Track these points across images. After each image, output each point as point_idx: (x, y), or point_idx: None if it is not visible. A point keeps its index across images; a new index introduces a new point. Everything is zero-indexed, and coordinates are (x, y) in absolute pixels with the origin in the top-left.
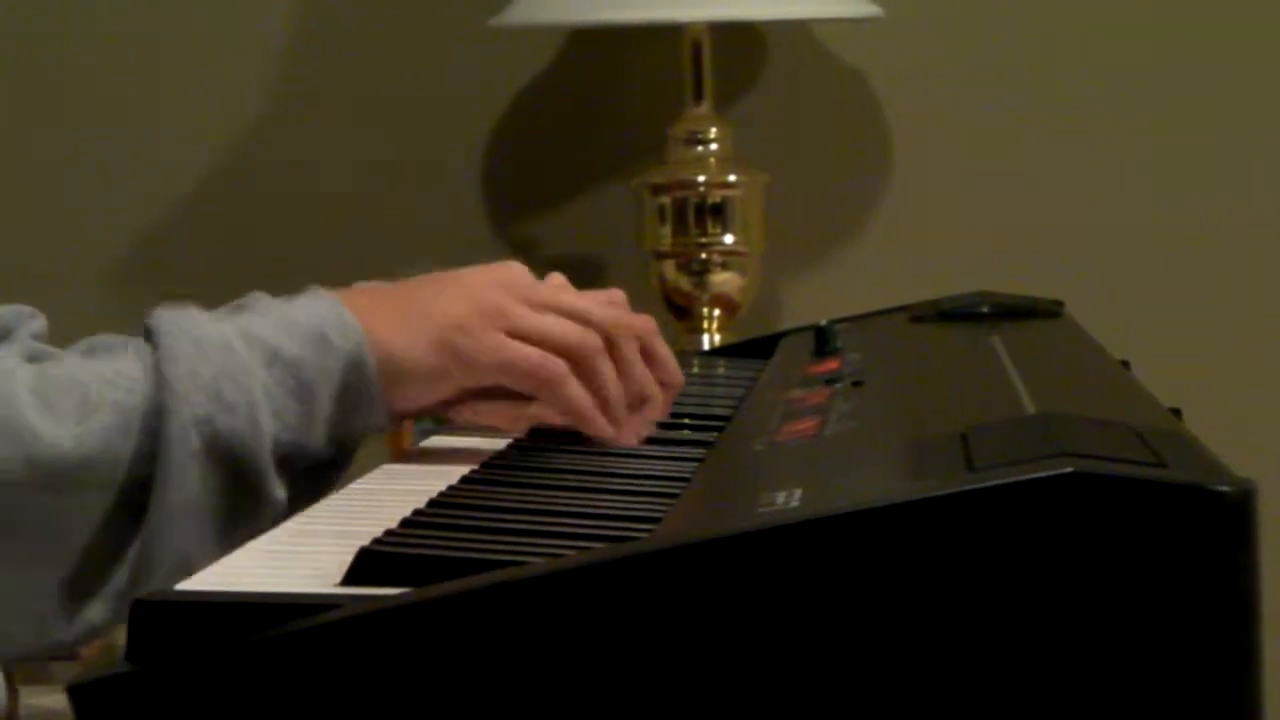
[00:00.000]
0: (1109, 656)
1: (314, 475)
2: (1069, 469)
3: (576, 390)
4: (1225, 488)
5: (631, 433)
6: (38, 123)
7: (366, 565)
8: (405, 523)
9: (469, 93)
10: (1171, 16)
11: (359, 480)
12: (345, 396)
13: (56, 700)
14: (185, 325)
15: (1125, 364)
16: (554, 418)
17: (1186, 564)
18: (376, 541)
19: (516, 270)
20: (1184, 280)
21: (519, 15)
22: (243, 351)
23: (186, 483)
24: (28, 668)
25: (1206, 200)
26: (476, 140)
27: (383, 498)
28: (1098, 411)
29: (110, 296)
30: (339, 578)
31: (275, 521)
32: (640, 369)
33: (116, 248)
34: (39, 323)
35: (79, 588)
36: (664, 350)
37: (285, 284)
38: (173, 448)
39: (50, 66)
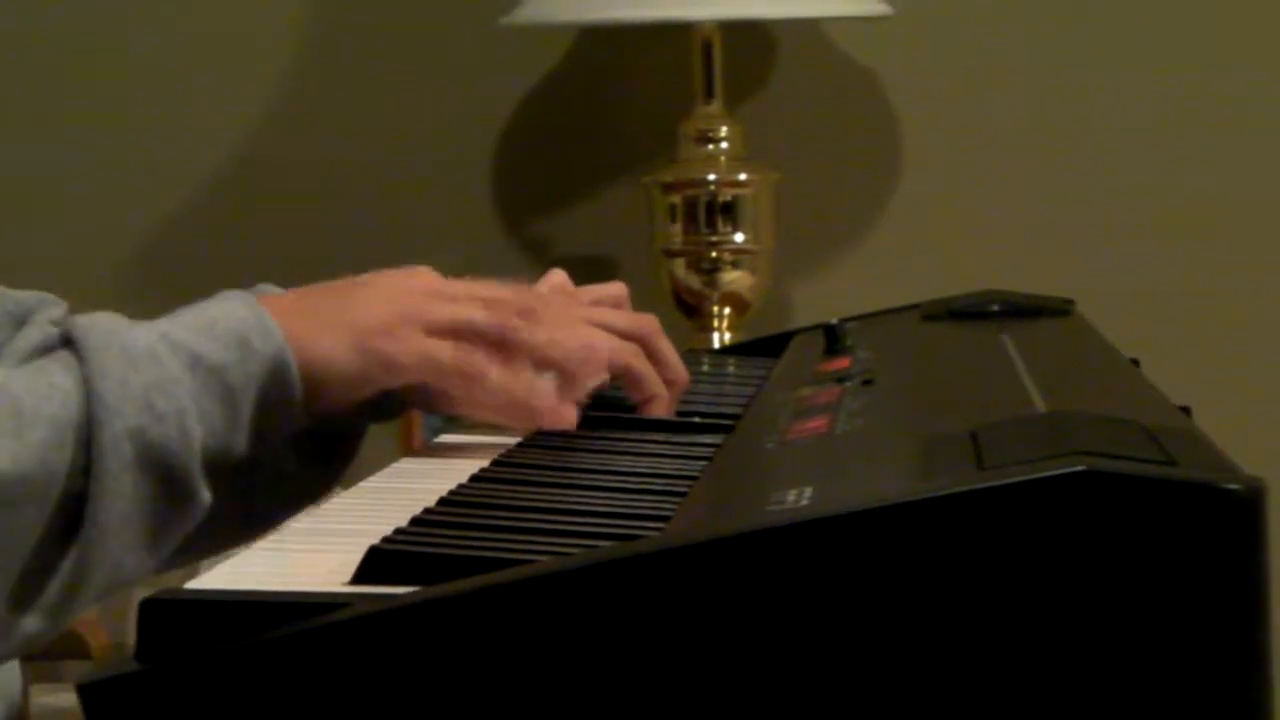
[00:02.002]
0: (1119, 654)
1: (234, 474)
2: (1080, 467)
3: (498, 380)
4: (1235, 486)
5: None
6: (42, 122)
7: (376, 564)
8: (415, 521)
9: (479, 92)
10: (1183, 14)
11: (368, 479)
12: (267, 400)
13: (66, 699)
14: (111, 335)
15: (1135, 362)
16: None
17: (1196, 562)
18: (386, 540)
19: (428, 272)
20: (1194, 278)
21: (529, 14)
22: (168, 359)
23: (121, 494)
24: (38, 666)
25: (1217, 199)
26: (487, 139)
27: (392, 496)
28: (1108, 410)
29: (118, 295)
30: (348, 576)
31: (196, 522)
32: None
33: (123, 247)
34: (60, 310)
35: (15, 601)
36: (668, 349)
37: (295, 283)
38: (106, 460)
39: (54, 66)
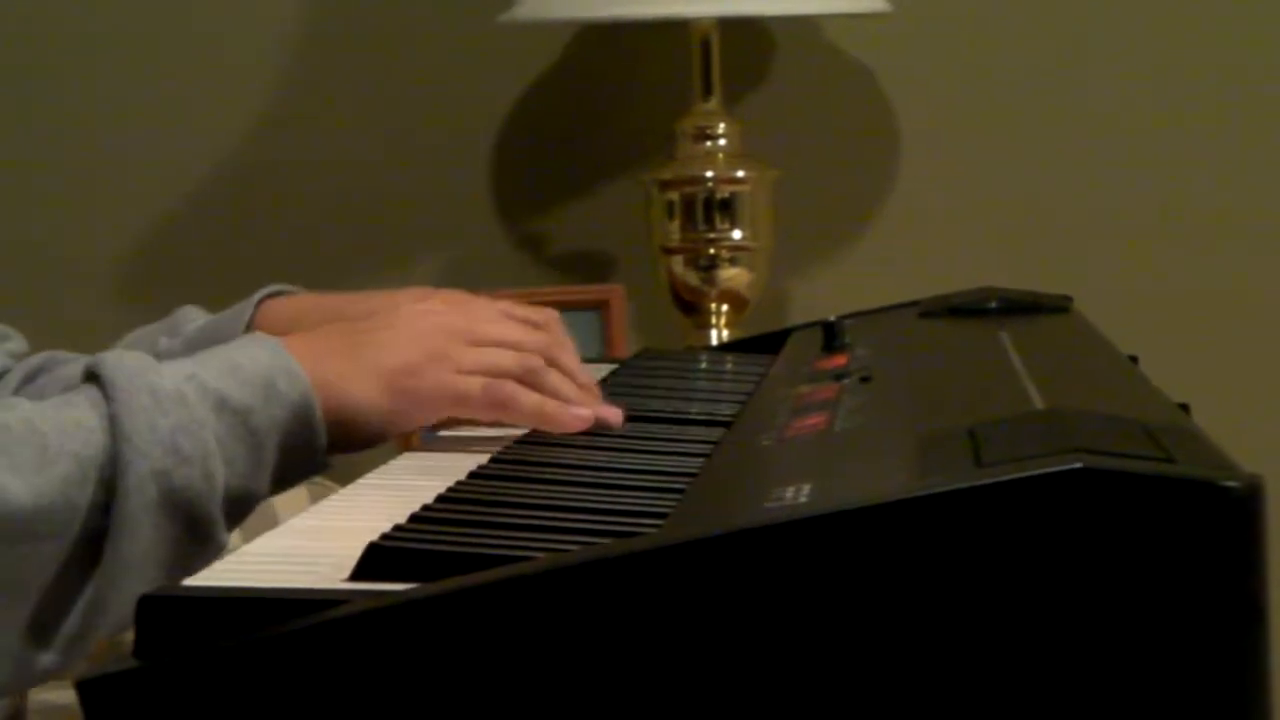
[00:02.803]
0: (1118, 651)
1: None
2: (1077, 464)
3: (531, 397)
4: (1233, 483)
5: (608, 413)
6: (45, 121)
7: (375, 560)
8: (413, 518)
9: (477, 89)
10: (1183, 12)
11: (367, 475)
12: (291, 444)
13: (65, 696)
14: (139, 375)
15: (1133, 359)
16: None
17: (1194, 559)
18: (385, 537)
19: (442, 302)
20: (1192, 276)
21: (527, 11)
22: (196, 401)
23: (141, 534)
24: None
25: (1215, 196)
26: (485, 136)
27: (391, 493)
28: (1106, 407)
29: (119, 294)
30: (347, 573)
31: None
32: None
33: (124, 246)
34: (16, 343)
35: (33, 634)
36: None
37: (296, 281)
38: (129, 500)
39: (57, 66)
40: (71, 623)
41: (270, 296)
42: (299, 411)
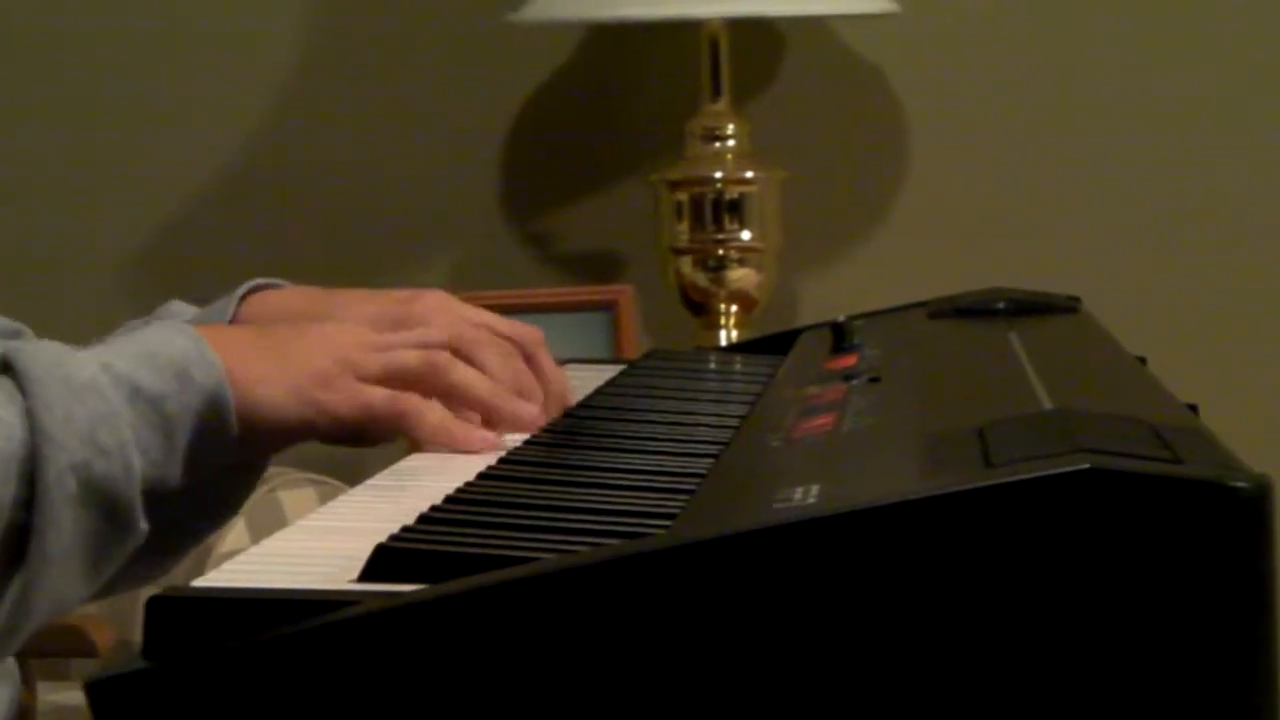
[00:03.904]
0: (1127, 651)
1: (167, 503)
2: (1086, 465)
3: (435, 416)
4: (1242, 484)
5: (527, 420)
6: (49, 121)
7: (383, 561)
8: (422, 519)
9: (487, 89)
10: (1191, 13)
11: (376, 476)
12: (203, 432)
13: (74, 697)
14: (54, 366)
15: (1142, 360)
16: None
17: (1203, 560)
18: (393, 538)
19: (359, 326)
20: (1201, 276)
21: (536, 12)
22: (111, 391)
23: (63, 528)
24: (45, 664)
25: (1225, 196)
26: (494, 136)
27: (399, 494)
28: (1114, 407)
29: (118, 294)
30: (355, 574)
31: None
32: (508, 367)
33: (131, 243)
34: (24, 340)
35: None
36: (547, 362)
37: (304, 280)
38: (51, 495)
39: (60, 65)
40: None
41: (256, 290)
42: (212, 400)
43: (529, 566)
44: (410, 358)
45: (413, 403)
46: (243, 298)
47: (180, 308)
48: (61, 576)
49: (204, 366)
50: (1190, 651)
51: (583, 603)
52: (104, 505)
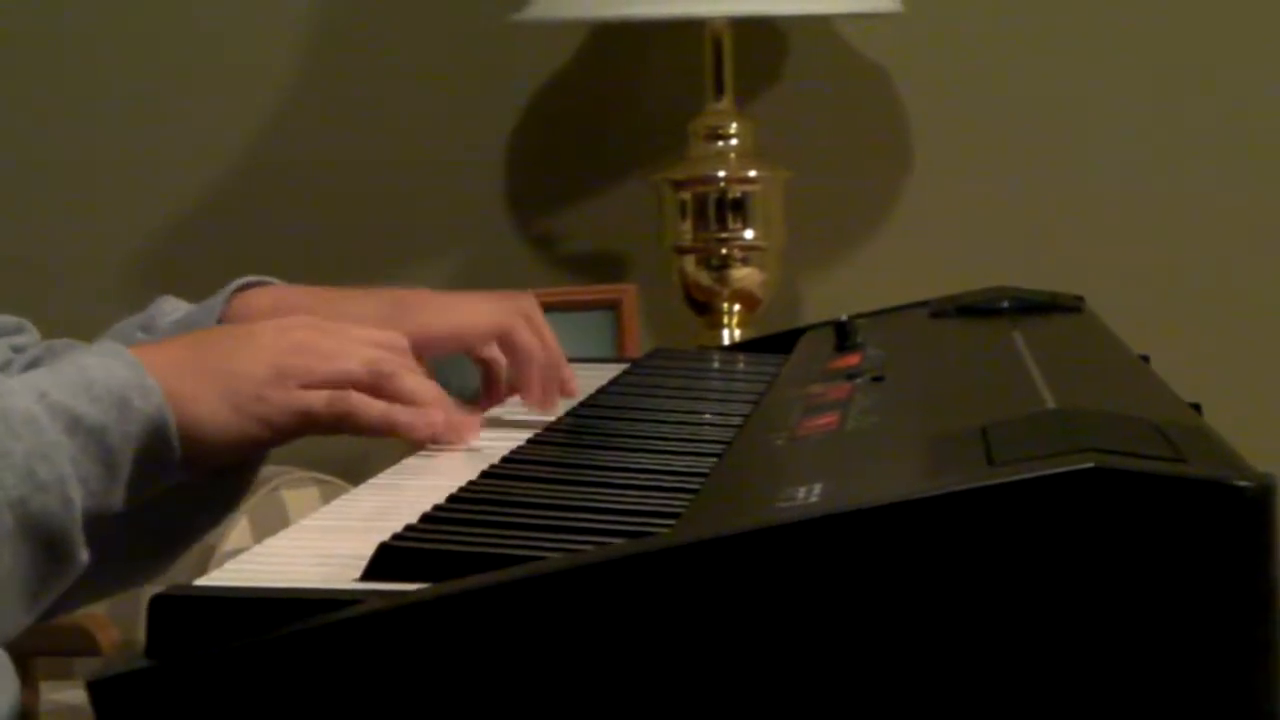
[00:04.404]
0: (1129, 650)
1: (111, 530)
2: (1089, 464)
3: (376, 407)
4: (1245, 483)
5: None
6: (48, 120)
7: (386, 560)
8: (425, 518)
9: (490, 89)
10: (1193, 12)
11: (378, 476)
12: (146, 458)
13: (77, 695)
14: None
15: (1145, 359)
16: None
17: (1206, 559)
18: (396, 537)
19: (307, 322)
20: (1204, 275)
21: (540, 11)
22: (47, 423)
23: (1, 562)
24: (48, 663)
25: (1227, 195)
26: (498, 136)
27: (402, 493)
28: (1118, 406)
29: (119, 295)
30: (359, 573)
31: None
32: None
33: (130, 244)
34: (24, 336)
35: None
36: (528, 339)
37: (306, 280)
38: None
39: (60, 65)
40: None
41: (246, 287)
42: (152, 427)
43: (532, 566)
44: (353, 363)
45: (351, 401)
46: (231, 295)
47: (172, 304)
48: (2, 608)
49: (144, 393)
50: (1193, 650)
51: (587, 602)
52: (42, 538)
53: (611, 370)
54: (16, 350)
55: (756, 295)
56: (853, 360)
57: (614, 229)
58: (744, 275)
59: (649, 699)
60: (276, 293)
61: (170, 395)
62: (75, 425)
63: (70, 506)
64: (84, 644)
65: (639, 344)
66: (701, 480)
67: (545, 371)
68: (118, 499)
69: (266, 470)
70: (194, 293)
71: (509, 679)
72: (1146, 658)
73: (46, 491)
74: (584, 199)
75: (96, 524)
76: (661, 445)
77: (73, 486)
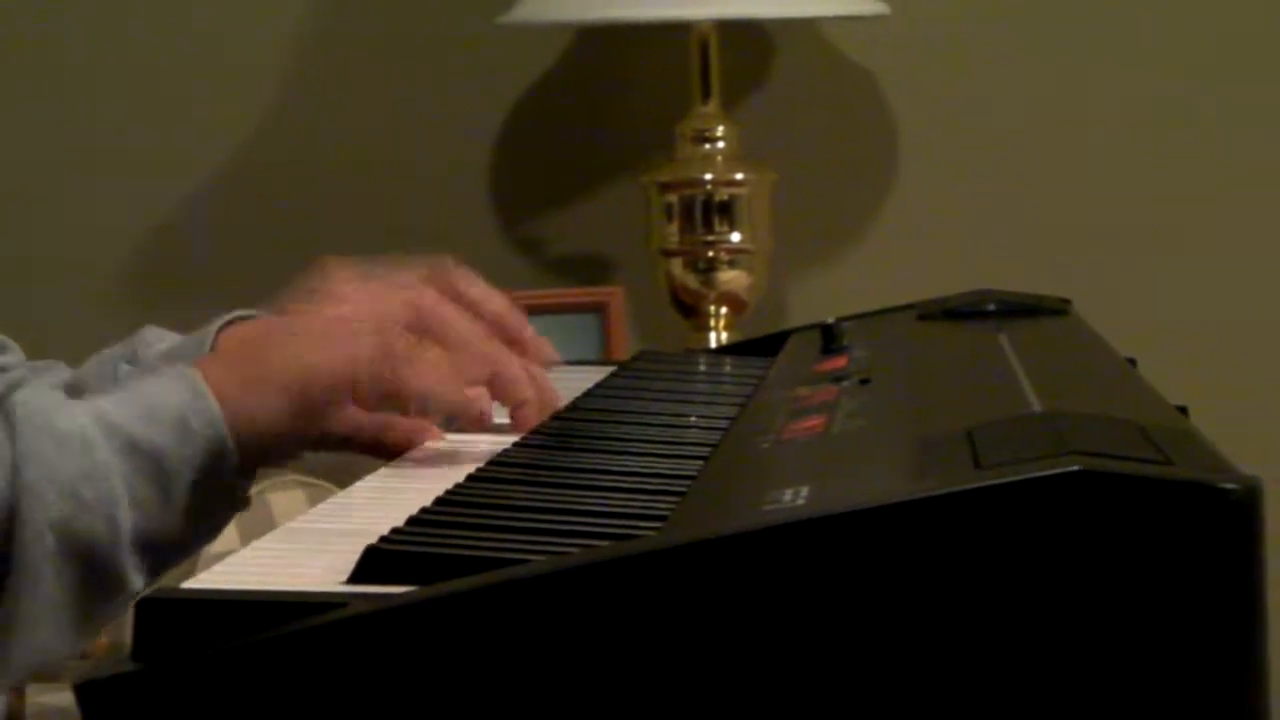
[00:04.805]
0: (1116, 654)
1: (177, 554)
2: (1075, 467)
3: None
4: (1231, 485)
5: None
6: (46, 120)
7: (373, 563)
8: (412, 521)
9: (476, 91)
10: (1181, 14)
11: (365, 478)
12: (204, 482)
13: (64, 698)
14: (45, 415)
15: (1132, 361)
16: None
17: (1193, 562)
18: (383, 539)
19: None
20: (1190, 278)
21: (526, 13)
22: (102, 446)
23: (42, 584)
24: None
25: (1213, 198)
26: (484, 138)
27: (389, 495)
28: (1104, 409)
29: (119, 294)
30: (345, 576)
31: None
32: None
33: (123, 247)
34: (8, 356)
35: None
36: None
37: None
38: (28, 550)
39: (58, 65)
40: None
41: (234, 321)
42: (212, 448)
43: (519, 568)
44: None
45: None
46: (220, 328)
47: (155, 334)
48: (45, 630)
49: (203, 416)
50: (1180, 653)
51: (573, 605)
52: (85, 561)
53: (598, 373)
54: (0, 370)
55: (743, 298)
56: (839, 363)
57: (600, 231)
58: (731, 278)
59: (636, 702)
60: (263, 326)
61: (231, 409)
62: (132, 447)
63: (116, 528)
64: None
65: (626, 346)
66: (688, 483)
67: (487, 357)
68: (175, 524)
69: None
70: (186, 294)
71: (496, 682)
72: (1133, 660)
73: (90, 513)
74: (570, 201)
75: (160, 552)
76: (648, 448)
77: (122, 509)
